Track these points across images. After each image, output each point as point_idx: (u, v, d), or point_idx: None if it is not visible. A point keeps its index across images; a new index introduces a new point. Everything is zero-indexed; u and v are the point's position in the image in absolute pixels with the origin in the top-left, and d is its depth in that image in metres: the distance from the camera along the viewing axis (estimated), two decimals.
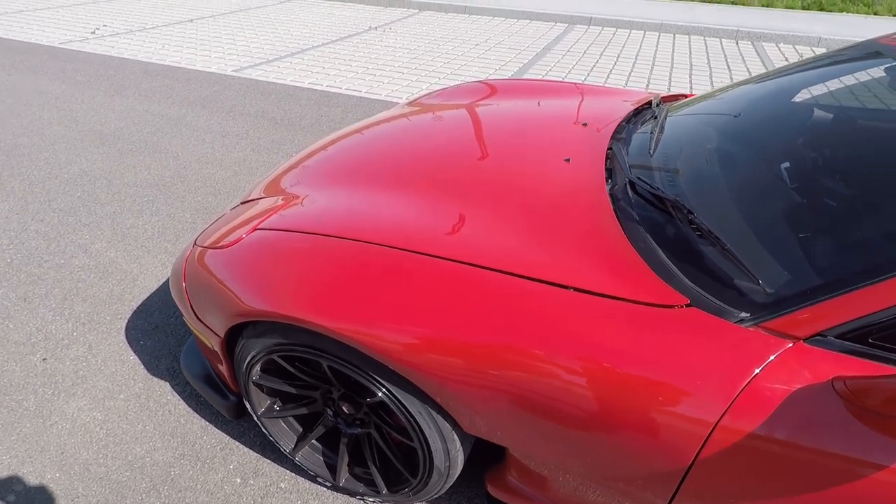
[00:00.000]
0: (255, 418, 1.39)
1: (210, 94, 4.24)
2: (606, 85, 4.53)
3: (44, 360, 1.84)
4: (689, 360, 0.83)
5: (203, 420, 1.64)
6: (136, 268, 2.28)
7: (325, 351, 1.10)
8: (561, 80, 4.60)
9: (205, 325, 1.30)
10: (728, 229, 0.96)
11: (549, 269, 1.00)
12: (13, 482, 1.46)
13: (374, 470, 1.29)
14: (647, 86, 4.59)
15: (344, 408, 1.28)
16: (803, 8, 7.72)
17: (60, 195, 2.79)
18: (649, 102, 1.75)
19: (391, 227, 1.17)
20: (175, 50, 5.38)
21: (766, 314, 0.83)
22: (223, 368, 1.39)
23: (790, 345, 0.80)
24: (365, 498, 1.37)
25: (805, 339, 0.80)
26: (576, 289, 0.95)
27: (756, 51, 5.87)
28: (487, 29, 6.61)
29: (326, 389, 1.28)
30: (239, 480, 1.47)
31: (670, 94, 1.89)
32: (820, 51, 5.97)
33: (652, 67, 5.12)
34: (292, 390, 1.29)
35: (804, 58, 1.36)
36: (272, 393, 1.35)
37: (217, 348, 1.33)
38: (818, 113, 1.21)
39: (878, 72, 1.28)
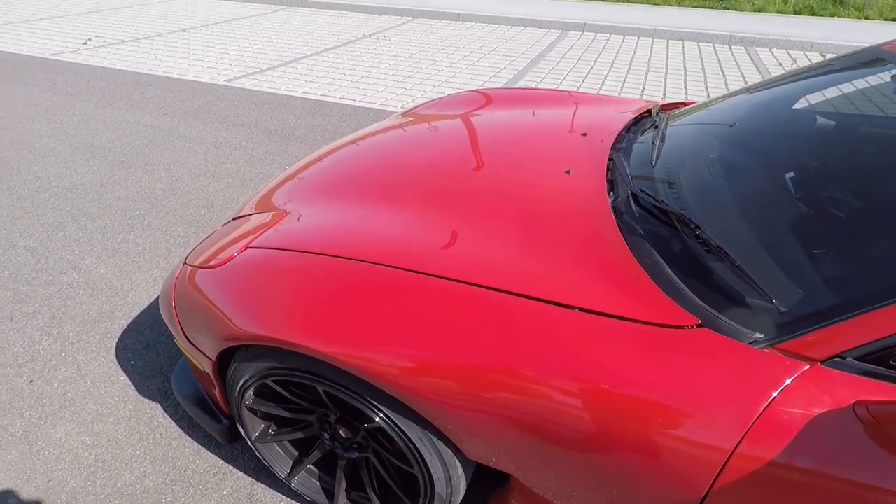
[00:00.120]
0: (249, 443, 1.34)
1: (203, 104, 4.20)
2: (601, 92, 4.53)
3: (31, 382, 1.78)
4: (702, 384, 0.79)
5: (195, 443, 1.59)
6: (127, 284, 2.23)
7: (321, 375, 1.05)
8: (556, 87, 4.60)
9: (195, 347, 1.26)
10: (737, 244, 0.93)
11: (553, 288, 0.96)
12: None
13: (372, 496, 1.24)
14: (643, 92, 4.58)
15: (341, 432, 1.24)
16: (795, 13, 7.77)
17: (49, 209, 2.74)
18: (649, 111, 1.72)
19: (386, 245, 1.13)
20: (168, 60, 5.34)
21: (780, 335, 0.79)
22: (215, 391, 1.34)
23: (807, 367, 0.77)
24: None
25: (823, 362, 0.76)
26: (581, 309, 0.91)
27: (750, 56, 5.88)
28: (481, 36, 6.61)
29: (323, 413, 1.23)
30: None
31: (669, 102, 1.86)
32: (813, 55, 6.00)
33: (647, 74, 5.12)
34: (287, 415, 1.24)
35: (806, 64, 1.34)
36: (266, 417, 1.31)
37: (208, 371, 1.28)
38: (826, 121, 1.18)
39: (883, 78, 1.26)
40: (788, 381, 0.76)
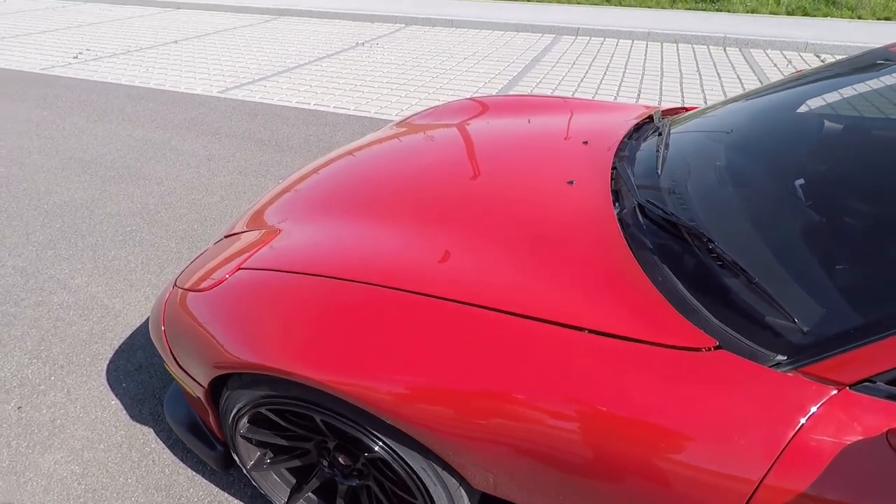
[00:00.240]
0: (245, 471, 1.29)
1: (195, 116, 4.15)
2: (597, 97, 4.50)
3: (19, 408, 1.72)
4: (723, 411, 0.75)
5: (189, 470, 1.53)
6: (119, 303, 2.17)
7: (317, 404, 1.00)
8: (552, 93, 4.57)
9: (186, 373, 1.21)
10: (753, 258, 0.88)
11: (559, 308, 0.91)
12: None
13: None
14: (639, 96, 4.56)
15: (340, 459, 1.18)
16: (788, 13, 7.79)
17: (39, 227, 2.68)
18: (650, 117, 1.68)
19: (383, 264, 1.09)
20: (159, 72, 5.30)
21: (805, 357, 0.75)
22: (209, 417, 1.29)
23: (835, 392, 0.72)
24: None
25: (851, 386, 0.71)
26: (590, 330, 0.86)
27: (744, 57, 5.88)
28: (475, 42, 6.59)
29: (321, 440, 1.18)
30: None
31: (671, 107, 1.82)
32: (808, 56, 6.00)
33: (642, 77, 5.10)
34: (284, 442, 1.19)
35: (804, 66, 1.31)
36: (262, 444, 1.25)
37: (201, 397, 1.23)
38: (838, 125, 1.14)
39: (891, 80, 1.22)
40: (815, 408, 0.71)
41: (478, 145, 1.61)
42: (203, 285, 1.20)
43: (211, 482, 1.49)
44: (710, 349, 0.79)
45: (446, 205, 1.26)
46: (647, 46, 6.27)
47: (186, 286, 1.24)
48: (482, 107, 2.10)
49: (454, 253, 1.08)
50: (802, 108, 1.31)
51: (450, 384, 0.87)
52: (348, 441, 1.11)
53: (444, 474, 0.98)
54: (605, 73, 5.20)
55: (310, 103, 4.39)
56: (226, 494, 1.46)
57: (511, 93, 4.64)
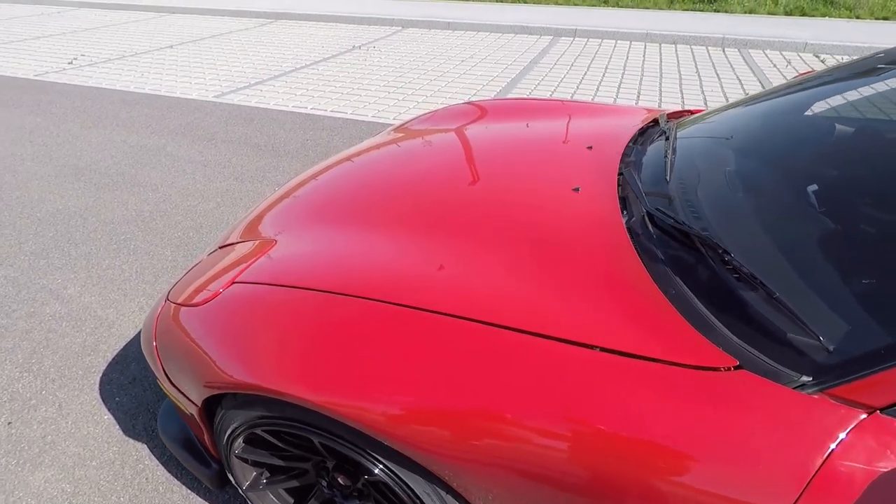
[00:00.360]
0: (241, 491, 1.24)
1: (191, 121, 4.11)
2: (597, 98, 4.47)
3: (9, 423, 1.67)
4: (746, 436, 0.70)
5: (184, 488, 1.48)
6: (112, 314, 2.12)
7: (315, 425, 0.96)
8: (551, 95, 4.54)
9: (179, 391, 1.16)
10: (772, 271, 0.84)
11: (568, 324, 0.87)
12: None
13: None
14: (638, 97, 4.53)
15: (339, 479, 1.14)
16: (786, 13, 7.77)
17: (32, 236, 2.63)
18: (655, 120, 1.64)
19: (381, 277, 1.04)
20: (155, 77, 5.25)
21: (831, 378, 0.70)
22: (203, 435, 1.24)
23: (864, 416, 0.68)
24: None
25: (883, 410, 0.67)
26: (602, 348, 0.82)
27: (743, 58, 5.85)
28: (472, 44, 6.56)
29: (320, 460, 1.13)
30: None
31: (676, 110, 1.78)
32: (807, 56, 5.97)
33: (641, 78, 5.07)
34: (281, 463, 1.14)
35: (812, 69, 1.27)
36: (258, 464, 1.20)
37: (194, 415, 1.18)
38: (851, 129, 1.10)
39: None
40: (844, 434, 0.67)
41: (478, 151, 1.57)
42: (196, 300, 1.16)
43: (206, 501, 1.44)
44: (729, 369, 0.75)
45: (447, 214, 1.22)
46: (645, 47, 6.25)
47: (179, 300, 1.19)
48: (481, 111, 2.06)
49: (455, 265, 1.04)
50: (813, 111, 1.27)
51: (453, 405, 0.83)
52: (348, 462, 1.07)
53: (449, 498, 0.93)
54: (603, 75, 5.17)
55: (306, 107, 4.35)
56: None
57: (510, 95, 4.60)
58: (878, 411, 0.67)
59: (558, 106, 1.99)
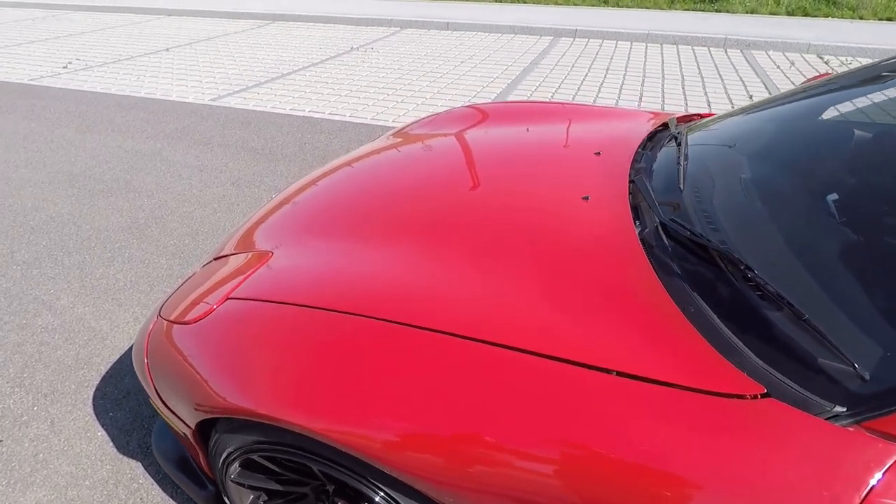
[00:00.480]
0: None
1: (187, 125, 4.06)
2: (598, 99, 4.42)
3: (0, 441, 1.63)
4: (774, 471, 0.65)
5: None
6: (106, 325, 2.07)
7: (314, 452, 0.91)
8: (552, 96, 4.49)
9: (172, 412, 1.11)
10: (800, 290, 0.79)
11: (582, 346, 0.82)
12: None
13: None
14: (640, 99, 4.48)
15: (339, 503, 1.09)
16: (788, 13, 7.73)
17: (25, 245, 2.58)
18: (665, 125, 1.59)
19: (379, 294, 0.99)
20: (150, 81, 5.20)
21: (868, 409, 0.65)
22: (198, 457, 1.19)
23: None
24: None
25: None
26: (619, 373, 0.77)
27: (746, 59, 5.81)
28: (471, 45, 6.52)
29: (319, 484, 1.08)
30: None
31: (685, 114, 1.73)
32: (810, 57, 5.93)
33: (643, 79, 5.03)
34: (279, 487, 1.09)
35: (833, 73, 1.21)
36: (255, 488, 1.15)
37: (188, 435, 1.13)
38: (881, 134, 1.05)
39: None
40: (882, 471, 0.62)
41: (481, 157, 1.52)
42: (189, 317, 1.11)
43: None
44: (756, 397, 0.70)
45: (450, 226, 1.17)
46: (646, 48, 6.20)
47: (171, 317, 1.14)
48: (482, 114, 2.01)
49: (459, 281, 0.99)
50: (830, 116, 1.22)
51: (452, 431, 0.78)
52: (348, 488, 1.02)
53: None
54: (605, 76, 5.13)
55: (304, 110, 4.30)
56: None
57: (510, 97, 4.56)
58: None
59: (562, 109, 1.94)
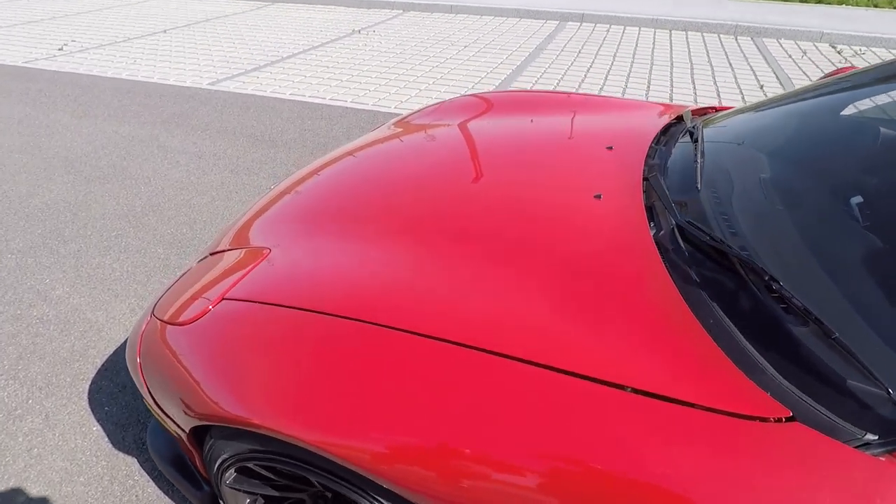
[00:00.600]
0: None
1: (185, 110, 3.98)
2: (605, 87, 4.33)
3: None
4: (800, 501, 0.61)
5: None
6: (102, 316, 2.04)
7: (313, 464, 0.87)
8: (558, 84, 4.39)
9: (165, 414, 1.07)
10: (829, 305, 0.74)
11: (595, 359, 0.77)
12: None
13: None
14: (649, 86, 4.39)
15: None
16: (801, 0, 7.56)
17: (20, 233, 2.53)
18: (678, 118, 1.53)
19: (381, 297, 0.95)
20: (147, 64, 5.10)
21: None
22: (193, 458, 1.16)
23: None
24: None
25: None
26: (634, 390, 0.72)
27: (757, 47, 5.69)
28: (476, 29, 6.39)
29: (317, 490, 1.05)
30: None
31: (700, 107, 1.67)
32: (823, 46, 5.80)
33: (651, 67, 4.92)
34: (275, 493, 1.06)
35: (858, 67, 1.15)
36: (251, 492, 1.12)
37: (182, 438, 1.10)
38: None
39: None
40: None
41: (487, 152, 1.46)
42: (183, 317, 1.07)
43: None
44: (780, 420, 0.66)
45: (454, 226, 1.12)
46: (654, 34, 6.07)
47: (165, 318, 1.10)
48: (487, 104, 1.94)
49: (464, 286, 0.94)
50: (855, 113, 1.16)
51: (468, 450, 0.74)
52: (346, 498, 0.98)
53: None
54: (612, 63, 5.02)
55: (305, 95, 4.22)
56: None
57: (515, 83, 4.47)
58: None
59: (570, 100, 1.88)
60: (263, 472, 0.99)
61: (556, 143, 1.45)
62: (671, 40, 5.86)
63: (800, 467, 0.62)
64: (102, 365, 1.83)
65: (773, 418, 0.66)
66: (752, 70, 4.89)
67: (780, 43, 5.80)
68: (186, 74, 4.77)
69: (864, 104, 1.18)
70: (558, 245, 1.01)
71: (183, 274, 1.27)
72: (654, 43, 5.76)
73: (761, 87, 4.40)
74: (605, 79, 4.56)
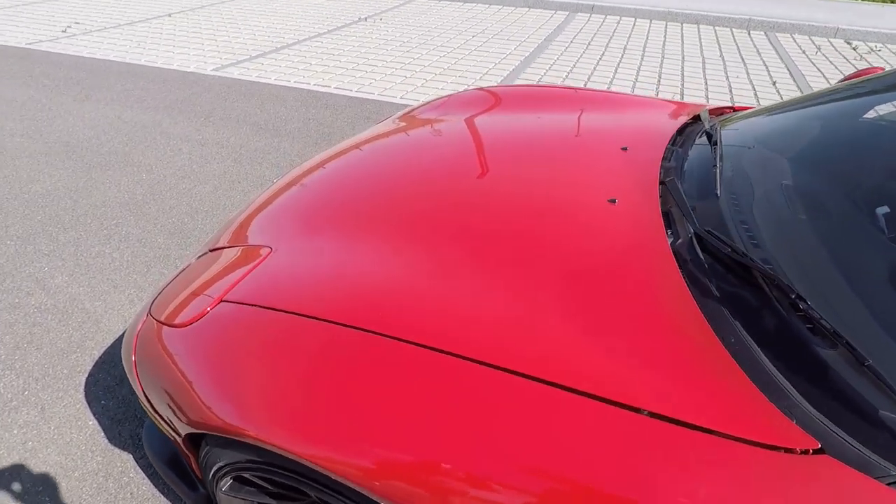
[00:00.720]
0: None
1: (188, 96, 3.92)
2: (615, 81, 4.25)
3: None
4: None
5: None
6: (101, 307, 2.01)
7: (309, 477, 0.84)
8: (567, 76, 4.31)
9: (161, 417, 1.04)
10: (861, 328, 0.70)
11: (608, 378, 0.73)
12: None
13: None
14: (659, 81, 4.30)
15: None
16: None
17: (19, 219, 2.50)
18: (695, 117, 1.47)
19: (385, 305, 0.91)
20: (151, 48, 5.04)
21: None
22: (189, 460, 1.13)
23: None
24: None
25: None
26: (651, 413, 0.68)
27: (770, 42, 5.58)
28: (484, 18, 6.28)
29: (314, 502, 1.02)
30: None
31: (717, 106, 1.61)
32: (838, 42, 5.68)
33: (662, 60, 4.83)
34: (273, 502, 1.03)
35: (885, 69, 1.09)
36: (247, 500, 1.09)
37: (178, 441, 1.07)
38: None
39: None
40: None
41: (496, 150, 1.41)
42: (179, 319, 1.03)
43: None
44: (807, 452, 0.62)
45: (462, 230, 1.07)
46: (666, 27, 5.96)
47: (162, 318, 1.06)
48: (495, 99, 1.89)
49: (471, 294, 0.90)
50: (883, 116, 1.11)
51: (474, 471, 0.70)
52: None
53: None
54: (622, 55, 4.93)
55: (309, 83, 4.15)
56: None
57: (523, 75, 4.39)
58: None
59: (581, 95, 1.82)
60: (260, 482, 0.96)
61: (568, 142, 1.40)
62: (683, 34, 5.76)
63: (828, 502, 0.58)
64: (100, 357, 1.81)
65: (800, 450, 0.62)
66: (765, 65, 4.79)
67: (794, 38, 5.68)
68: (191, 59, 4.70)
69: (890, 108, 1.12)
70: (571, 254, 0.96)
71: (181, 270, 1.24)
72: (665, 36, 5.65)
73: (774, 83, 4.32)
74: (615, 72, 4.48)
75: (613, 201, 1.07)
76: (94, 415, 1.62)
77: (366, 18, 6.14)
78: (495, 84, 4.21)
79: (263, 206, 1.37)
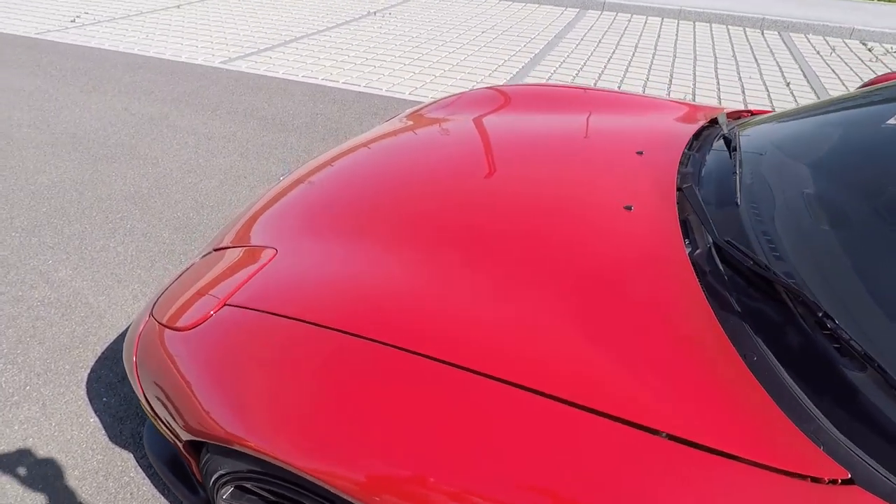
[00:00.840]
0: None
1: (195, 88, 3.90)
2: (626, 80, 4.19)
3: None
4: None
5: None
6: (104, 302, 1.99)
7: (311, 491, 0.81)
8: (577, 75, 4.25)
9: (161, 421, 1.02)
10: (890, 349, 0.66)
11: (624, 396, 0.70)
12: None
13: None
14: (670, 81, 4.24)
15: None
16: None
17: (25, 211, 2.49)
18: (712, 121, 1.43)
19: (392, 314, 0.88)
20: (160, 39, 5.02)
21: None
22: (190, 464, 1.11)
23: None
24: None
25: None
26: (670, 436, 0.65)
27: (784, 42, 5.49)
28: (494, 13, 6.22)
29: None
30: None
31: (735, 109, 1.57)
32: (853, 43, 5.59)
33: (674, 59, 4.77)
34: None
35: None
36: None
37: (178, 445, 1.05)
38: None
39: None
40: None
41: (507, 152, 1.37)
42: (182, 322, 1.01)
43: None
44: (836, 482, 0.58)
45: (470, 232, 1.04)
46: (677, 25, 5.88)
47: (164, 320, 1.04)
48: (505, 98, 1.85)
49: (482, 305, 0.87)
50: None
51: (470, 488, 0.67)
52: None
53: None
54: (633, 54, 4.87)
55: (317, 78, 4.12)
56: None
57: (532, 73, 4.34)
58: None
59: (593, 96, 1.78)
60: (261, 493, 0.94)
61: (582, 145, 1.36)
62: (695, 32, 5.68)
63: None
64: (102, 353, 1.79)
65: (828, 479, 0.58)
66: (779, 66, 4.72)
67: (808, 38, 5.59)
68: (199, 52, 4.68)
69: None
70: (585, 264, 0.93)
71: (185, 270, 1.22)
72: (677, 34, 5.58)
73: (787, 84, 4.25)
74: (626, 70, 4.42)
75: (629, 208, 1.04)
76: (96, 412, 1.60)
77: (375, 13, 6.09)
78: (504, 81, 4.16)
79: (269, 205, 1.35)
